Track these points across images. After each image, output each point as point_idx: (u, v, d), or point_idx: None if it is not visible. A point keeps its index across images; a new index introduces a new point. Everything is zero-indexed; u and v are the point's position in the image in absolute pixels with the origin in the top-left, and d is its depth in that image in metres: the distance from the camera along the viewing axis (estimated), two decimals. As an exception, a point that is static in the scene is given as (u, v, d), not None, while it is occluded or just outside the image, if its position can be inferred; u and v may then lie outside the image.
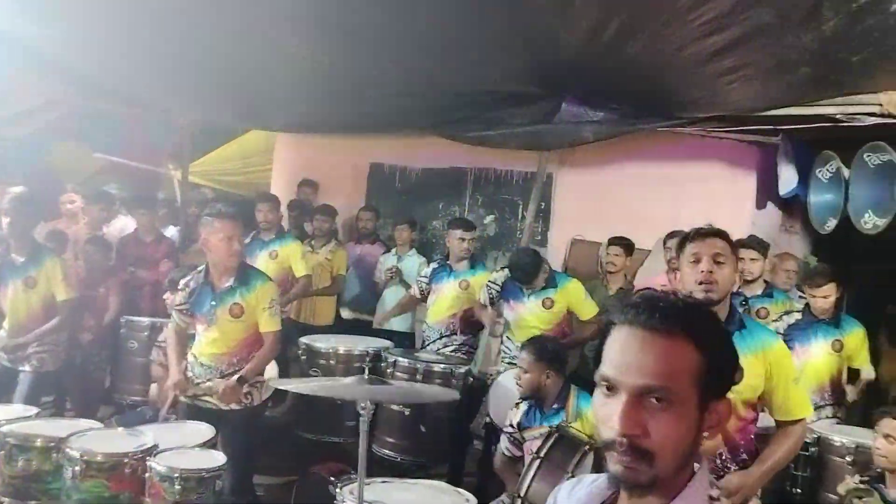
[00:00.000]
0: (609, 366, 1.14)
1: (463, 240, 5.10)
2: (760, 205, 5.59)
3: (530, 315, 4.67)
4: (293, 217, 6.62)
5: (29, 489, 3.14)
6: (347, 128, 6.31)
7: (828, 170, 3.91)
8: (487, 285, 4.90)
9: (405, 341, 5.75)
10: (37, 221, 5.14)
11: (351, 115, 5.77)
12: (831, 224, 3.91)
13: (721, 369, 1.15)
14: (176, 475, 2.97)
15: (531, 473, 3.13)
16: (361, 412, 2.40)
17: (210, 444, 3.39)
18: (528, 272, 4.65)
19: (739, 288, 4.62)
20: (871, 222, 3.50)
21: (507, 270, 4.85)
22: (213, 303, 3.78)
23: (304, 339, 4.89)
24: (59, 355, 4.79)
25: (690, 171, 5.65)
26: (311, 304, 6.04)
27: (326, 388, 2.50)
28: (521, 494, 3.08)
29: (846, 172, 3.68)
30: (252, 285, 3.85)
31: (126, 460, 3.05)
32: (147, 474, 3.02)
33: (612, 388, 1.13)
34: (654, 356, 1.11)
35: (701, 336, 1.13)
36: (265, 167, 7.79)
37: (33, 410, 3.65)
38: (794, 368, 2.70)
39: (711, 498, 2.53)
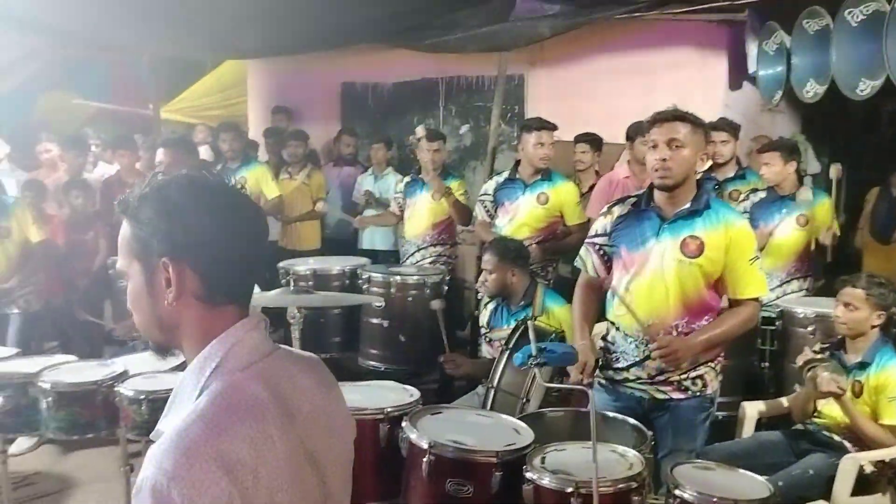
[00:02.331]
0: None
1: (429, 150, 5.06)
2: (734, 86, 5.43)
3: (525, 212, 4.46)
4: (269, 145, 6.57)
5: (12, 423, 3.29)
6: (312, 46, 6.19)
7: (773, 41, 3.78)
8: (480, 200, 4.73)
9: (389, 258, 5.81)
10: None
11: (313, 31, 5.63)
12: (778, 97, 3.81)
13: (144, 232, 1.17)
14: (142, 397, 3.10)
15: (501, 364, 3.21)
16: (291, 320, 2.47)
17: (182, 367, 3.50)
18: None
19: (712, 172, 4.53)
20: (812, 91, 3.39)
21: (497, 176, 4.70)
22: None
23: (282, 264, 4.95)
24: (43, 295, 4.98)
25: (660, 58, 5.50)
26: (296, 230, 6.09)
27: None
28: (494, 385, 3.17)
29: (788, 42, 3.56)
30: None
31: (95, 388, 3.18)
32: (117, 399, 3.16)
33: None
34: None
35: (127, 209, 1.19)
36: (243, 98, 7.73)
37: (13, 351, 3.80)
38: (752, 249, 2.68)
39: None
